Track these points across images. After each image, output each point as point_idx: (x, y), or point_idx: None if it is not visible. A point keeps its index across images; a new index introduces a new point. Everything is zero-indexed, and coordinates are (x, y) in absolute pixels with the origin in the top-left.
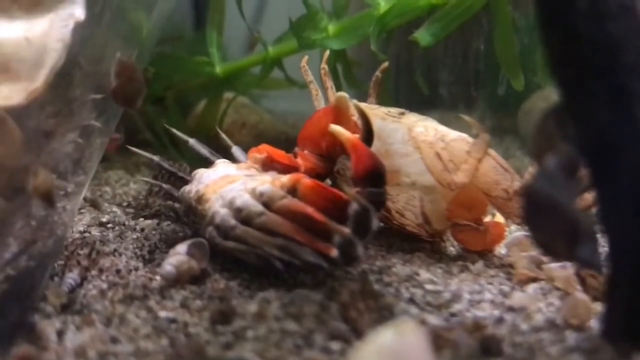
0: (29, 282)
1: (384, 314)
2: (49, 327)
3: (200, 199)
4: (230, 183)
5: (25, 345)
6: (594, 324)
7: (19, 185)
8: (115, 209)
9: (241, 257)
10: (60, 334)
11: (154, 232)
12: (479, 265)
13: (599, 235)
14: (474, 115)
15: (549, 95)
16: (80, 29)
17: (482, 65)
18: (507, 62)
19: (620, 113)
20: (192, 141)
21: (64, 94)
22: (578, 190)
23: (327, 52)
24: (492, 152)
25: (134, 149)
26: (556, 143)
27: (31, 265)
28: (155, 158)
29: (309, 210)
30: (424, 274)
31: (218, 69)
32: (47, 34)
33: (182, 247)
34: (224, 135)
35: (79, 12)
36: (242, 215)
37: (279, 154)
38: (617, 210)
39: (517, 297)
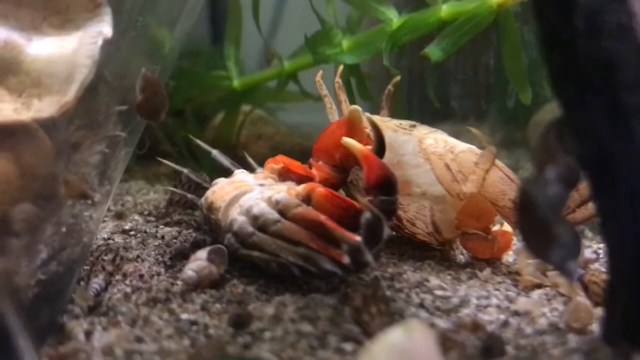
0: (58, 286)
1: (395, 318)
2: (77, 328)
3: (210, 207)
4: (236, 189)
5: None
6: (595, 327)
7: (50, 194)
8: (137, 217)
9: (260, 263)
10: (88, 334)
11: (174, 240)
12: (487, 272)
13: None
14: (485, 128)
15: (557, 108)
16: (107, 45)
17: (492, 78)
18: (515, 76)
19: (619, 127)
20: (215, 152)
21: (92, 107)
22: (566, 199)
23: (341, 67)
24: (499, 163)
25: (164, 160)
26: (557, 155)
27: (60, 270)
28: (185, 170)
29: (323, 218)
30: (434, 281)
31: (235, 83)
32: (77, 50)
33: (202, 253)
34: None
35: (107, 30)
36: (259, 223)
37: (295, 165)
38: (616, 219)
39: (522, 302)
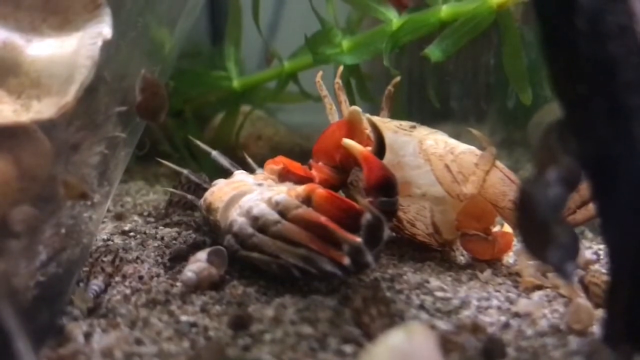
0: (57, 287)
1: (395, 320)
2: (76, 330)
3: (209, 207)
4: (235, 190)
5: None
6: (596, 329)
7: (49, 195)
8: (136, 218)
9: (260, 265)
10: (88, 336)
11: (174, 241)
12: (487, 273)
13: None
14: (485, 128)
15: (558, 109)
16: (107, 46)
17: (492, 78)
18: (515, 76)
19: (619, 128)
20: (214, 153)
21: (92, 108)
22: (566, 200)
23: (341, 67)
24: (499, 164)
25: (163, 161)
26: (558, 156)
27: (59, 272)
28: (185, 171)
29: (323, 219)
30: (434, 282)
31: (235, 83)
32: (77, 51)
33: (202, 255)
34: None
35: (106, 31)
36: (259, 224)
37: (295, 166)
38: (616, 220)
39: (523, 304)
